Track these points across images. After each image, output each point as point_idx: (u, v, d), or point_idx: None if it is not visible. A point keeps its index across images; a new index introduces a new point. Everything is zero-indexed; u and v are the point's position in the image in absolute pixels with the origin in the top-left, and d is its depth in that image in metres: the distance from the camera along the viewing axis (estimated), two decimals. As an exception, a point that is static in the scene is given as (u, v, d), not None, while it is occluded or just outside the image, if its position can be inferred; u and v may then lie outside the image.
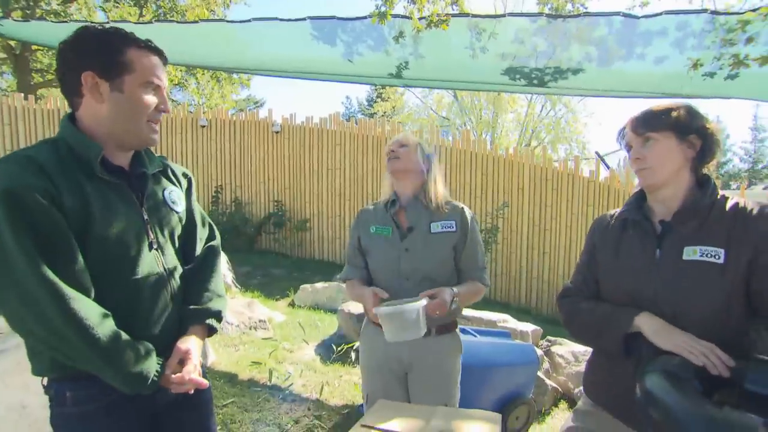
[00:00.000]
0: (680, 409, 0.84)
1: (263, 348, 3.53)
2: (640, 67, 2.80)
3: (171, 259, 1.10)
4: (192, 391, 1.04)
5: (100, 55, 0.96)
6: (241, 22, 3.09)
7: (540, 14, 2.81)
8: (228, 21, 3.30)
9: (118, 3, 11.06)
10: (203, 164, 7.43)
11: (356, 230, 1.68)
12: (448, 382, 1.59)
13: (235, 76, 13.53)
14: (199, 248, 1.21)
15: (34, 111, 7.09)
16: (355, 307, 3.77)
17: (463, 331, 2.66)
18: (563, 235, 6.12)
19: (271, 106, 42.75)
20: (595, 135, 52.37)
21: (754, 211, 1.05)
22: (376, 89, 23.75)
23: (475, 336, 2.71)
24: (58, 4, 10.50)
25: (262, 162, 7.38)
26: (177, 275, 1.11)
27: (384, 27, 2.90)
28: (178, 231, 1.14)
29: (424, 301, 1.36)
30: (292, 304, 5.08)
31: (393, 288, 1.51)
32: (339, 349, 3.16)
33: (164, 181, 1.14)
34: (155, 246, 1.05)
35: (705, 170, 1.15)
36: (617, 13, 2.56)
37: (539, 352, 3.05)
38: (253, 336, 3.83)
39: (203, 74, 12.68)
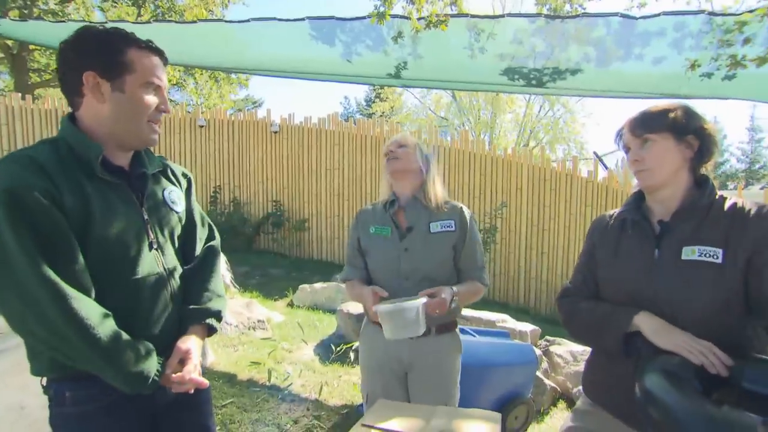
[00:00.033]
0: (680, 409, 0.84)
1: (262, 348, 3.52)
2: (638, 67, 2.81)
3: (171, 259, 1.10)
4: (192, 391, 1.04)
5: (101, 55, 0.97)
6: (239, 22, 3.09)
7: (538, 15, 2.81)
8: (226, 21, 3.29)
9: (116, 3, 11.02)
10: (202, 164, 7.42)
11: (355, 231, 1.68)
12: (448, 381, 1.60)
13: (233, 76, 13.50)
14: (198, 248, 1.21)
15: (32, 111, 7.07)
16: (354, 307, 3.77)
17: (462, 331, 2.66)
18: (561, 235, 6.13)
19: (270, 106, 42.70)
20: (594, 135, 52.55)
21: (753, 211, 1.06)
22: (374, 89, 23.74)
23: (474, 336, 2.71)
24: (56, 4, 10.45)
25: (260, 162, 7.37)
26: (177, 275, 1.11)
27: (383, 27, 2.90)
28: (177, 231, 1.14)
29: (423, 299, 1.37)
30: (290, 305, 5.08)
31: (392, 288, 1.51)
32: (338, 349, 3.15)
33: (164, 181, 1.15)
34: (155, 246, 1.06)
35: (703, 170, 1.16)
36: (615, 14, 2.56)
37: (538, 351, 3.06)
38: (252, 336, 3.82)
39: (201, 74, 12.65)
